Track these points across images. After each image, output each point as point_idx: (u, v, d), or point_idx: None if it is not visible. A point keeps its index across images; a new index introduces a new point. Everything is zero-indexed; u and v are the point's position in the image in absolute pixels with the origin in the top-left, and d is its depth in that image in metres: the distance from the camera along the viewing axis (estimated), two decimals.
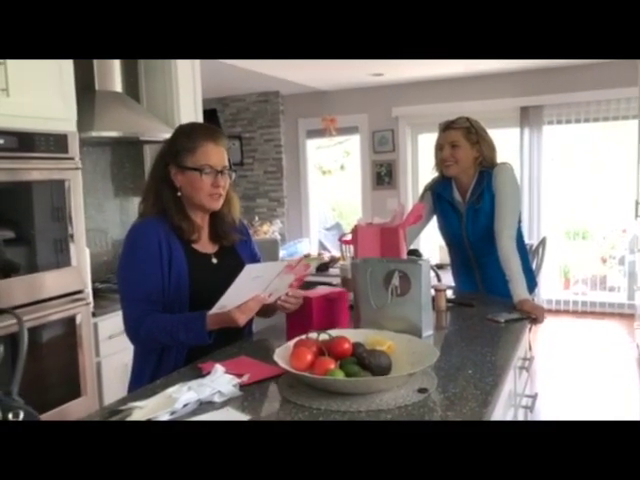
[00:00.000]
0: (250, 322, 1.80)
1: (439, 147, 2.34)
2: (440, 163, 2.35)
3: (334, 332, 1.48)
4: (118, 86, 3.19)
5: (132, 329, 1.65)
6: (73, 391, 2.54)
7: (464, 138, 2.28)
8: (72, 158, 2.54)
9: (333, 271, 4.85)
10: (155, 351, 1.67)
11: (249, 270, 1.50)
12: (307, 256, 5.09)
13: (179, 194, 1.69)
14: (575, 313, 5.75)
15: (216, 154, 1.68)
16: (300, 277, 1.69)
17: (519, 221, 2.31)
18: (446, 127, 2.33)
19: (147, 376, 1.64)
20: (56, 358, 2.49)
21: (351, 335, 1.47)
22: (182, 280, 1.66)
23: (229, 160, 1.74)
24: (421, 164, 6.18)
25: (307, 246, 6.13)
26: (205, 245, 1.76)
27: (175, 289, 1.65)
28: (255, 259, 1.86)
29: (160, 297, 1.63)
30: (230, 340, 1.73)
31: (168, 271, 1.64)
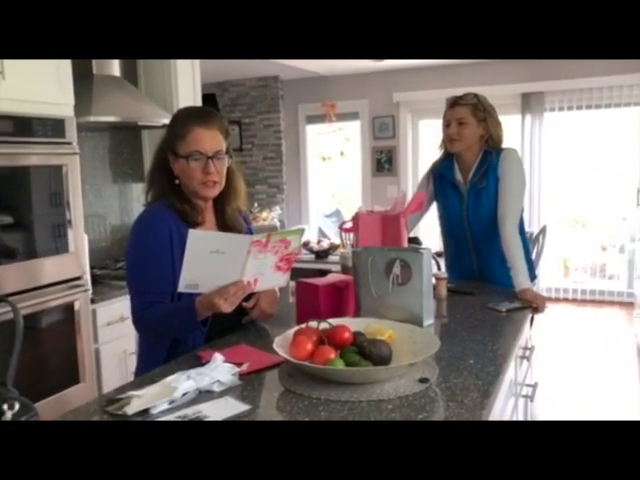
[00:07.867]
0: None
1: (446, 124, 2.28)
2: (446, 139, 2.30)
3: (334, 321, 1.46)
4: (116, 71, 3.16)
5: (135, 319, 1.64)
6: (72, 378, 2.54)
7: (471, 115, 2.23)
8: (70, 143, 2.52)
9: (333, 258, 4.86)
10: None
11: (195, 236, 1.44)
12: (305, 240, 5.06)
13: (177, 182, 1.66)
14: (575, 301, 5.75)
15: (207, 139, 1.60)
16: (285, 257, 1.55)
17: (521, 209, 2.28)
18: (454, 103, 2.27)
19: (160, 358, 1.59)
20: (55, 345, 2.48)
21: (352, 324, 1.46)
22: None
23: (228, 143, 1.67)
24: (421, 150, 6.13)
25: (306, 232, 6.11)
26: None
27: None
28: None
29: (169, 287, 1.59)
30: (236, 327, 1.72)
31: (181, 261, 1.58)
